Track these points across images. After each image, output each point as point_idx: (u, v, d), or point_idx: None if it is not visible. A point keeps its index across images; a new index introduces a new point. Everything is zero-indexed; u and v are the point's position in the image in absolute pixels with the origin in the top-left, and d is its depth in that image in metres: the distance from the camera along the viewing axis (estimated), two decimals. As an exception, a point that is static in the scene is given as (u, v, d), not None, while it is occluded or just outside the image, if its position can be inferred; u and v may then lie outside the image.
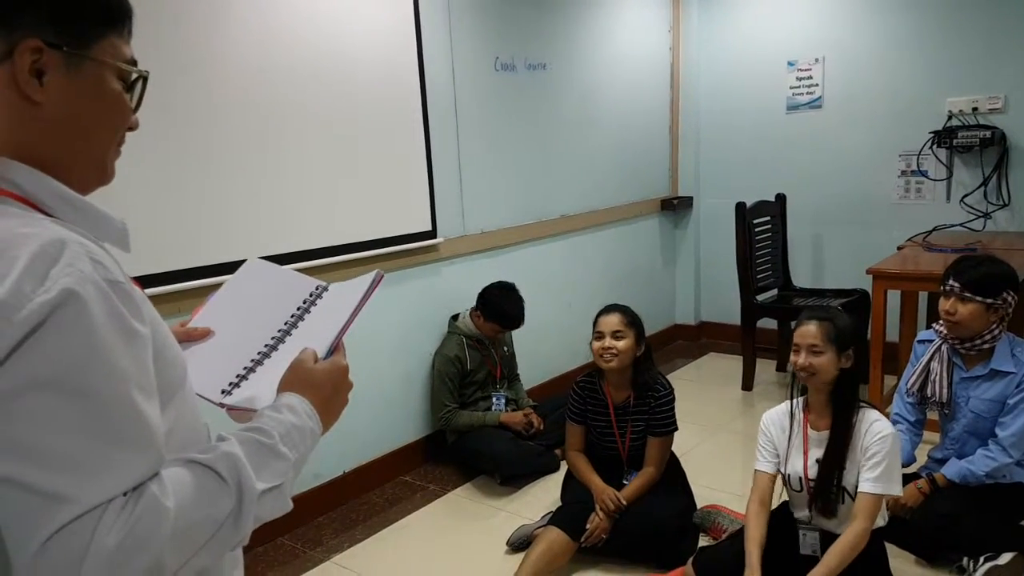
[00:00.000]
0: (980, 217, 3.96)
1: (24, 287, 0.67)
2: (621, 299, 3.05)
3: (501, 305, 3.29)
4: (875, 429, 2.10)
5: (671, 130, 4.90)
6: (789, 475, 2.23)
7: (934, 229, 3.93)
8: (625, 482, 2.65)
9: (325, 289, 1.13)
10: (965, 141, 3.87)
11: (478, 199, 3.56)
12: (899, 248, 3.80)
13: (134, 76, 0.85)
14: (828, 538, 2.13)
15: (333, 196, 2.90)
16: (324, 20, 2.80)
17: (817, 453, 2.17)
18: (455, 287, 3.48)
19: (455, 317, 3.41)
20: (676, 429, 2.69)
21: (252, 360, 1.04)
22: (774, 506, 2.36)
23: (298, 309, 1.10)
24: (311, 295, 1.12)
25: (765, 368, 4.33)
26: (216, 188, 2.53)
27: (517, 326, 3.37)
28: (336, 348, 1.00)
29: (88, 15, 0.80)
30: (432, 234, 3.31)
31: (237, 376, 1.02)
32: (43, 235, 0.71)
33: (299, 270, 1.22)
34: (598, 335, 2.65)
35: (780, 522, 2.28)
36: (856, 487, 2.11)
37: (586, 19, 4.10)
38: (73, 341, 0.68)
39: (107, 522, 0.67)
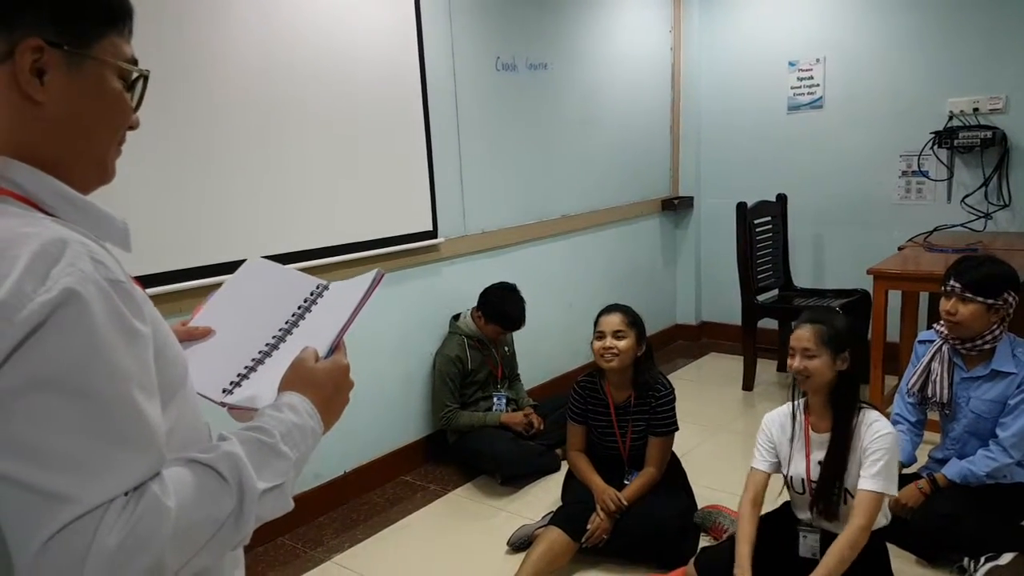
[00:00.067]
0: (981, 217, 3.96)
1: (25, 287, 0.67)
2: (622, 299, 3.05)
3: (502, 306, 3.29)
4: (875, 429, 2.10)
5: (672, 130, 4.90)
6: (791, 477, 2.23)
7: (935, 229, 3.93)
8: (626, 482, 2.65)
9: (326, 288, 1.12)
10: (966, 141, 3.87)
11: (479, 199, 3.56)
12: (900, 248, 3.80)
13: (135, 75, 0.85)
14: (829, 539, 2.12)
15: (334, 196, 2.90)
16: (325, 20, 2.80)
17: (819, 455, 2.17)
18: (456, 287, 3.48)
19: (456, 317, 3.41)
20: (677, 429, 2.69)
21: (253, 359, 1.04)
22: (775, 507, 2.37)
23: (299, 308, 1.10)
24: (312, 294, 1.11)
25: (766, 368, 4.33)
26: (217, 188, 2.53)
27: (518, 327, 3.37)
28: (337, 347, 1.00)
29: (89, 14, 0.80)
30: (433, 234, 3.31)
31: (238, 375, 1.02)
32: (44, 234, 0.71)
33: (300, 270, 1.22)
34: (599, 335, 2.65)
35: (781, 524, 2.29)
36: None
37: (587, 19, 4.10)
38: (74, 341, 0.68)
39: (108, 522, 0.67)
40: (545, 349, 3.97)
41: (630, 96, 4.49)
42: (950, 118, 3.96)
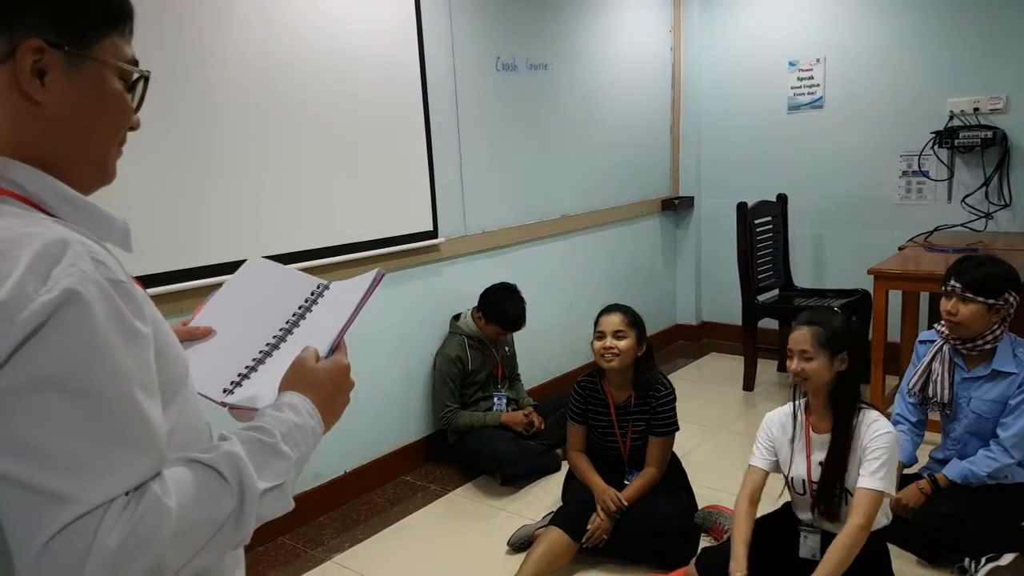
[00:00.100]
0: (981, 217, 3.96)
1: (26, 287, 0.67)
2: (622, 299, 3.05)
3: (502, 307, 3.29)
4: (875, 428, 2.10)
5: (672, 130, 4.90)
6: (792, 478, 2.23)
7: (935, 229, 3.93)
8: (626, 482, 2.65)
9: (326, 288, 1.13)
10: (966, 141, 3.87)
11: (479, 199, 3.56)
12: (900, 248, 3.80)
13: (135, 76, 0.85)
14: (830, 540, 2.12)
15: (334, 196, 2.90)
16: (325, 20, 2.80)
17: (820, 456, 2.17)
18: (456, 287, 3.48)
19: (456, 317, 3.41)
20: (677, 429, 2.69)
21: (254, 359, 1.04)
22: (776, 508, 2.37)
23: (299, 308, 1.10)
24: (312, 294, 1.11)
25: (766, 368, 4.33)
26: (217, 188, 2.53)
27: (518, 328, 3.37)
28: (337, 347, 1.00)
29: (89, 15, 0.80)
30: (433, 234, 3.31)
31: (239, 375, 1.02)
32: (45, 235, 0.71)
33: (301, 270, 1.22)
34: (599, 335, 2.65)
35: (782, 524, 2.28)
36: (858, 487, 2.11)
37: (587, 19, 4.10)
38: (75, 341, 0.68)
39: (109, 522, 0.67)
40: (545, 349, 3.97)
41: (630, 96, 4.49)
42: (950, 118, 3.96)
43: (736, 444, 3.43)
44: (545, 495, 3.05)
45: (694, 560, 2.33)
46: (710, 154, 4.89)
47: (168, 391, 0.80)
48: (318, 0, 2.76)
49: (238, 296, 1.15)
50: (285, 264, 1.23)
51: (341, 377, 0.97)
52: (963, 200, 4.00)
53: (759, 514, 2.41)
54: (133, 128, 0.87)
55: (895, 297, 3.53)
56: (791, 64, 4.46)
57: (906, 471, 2.64)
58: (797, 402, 2.26)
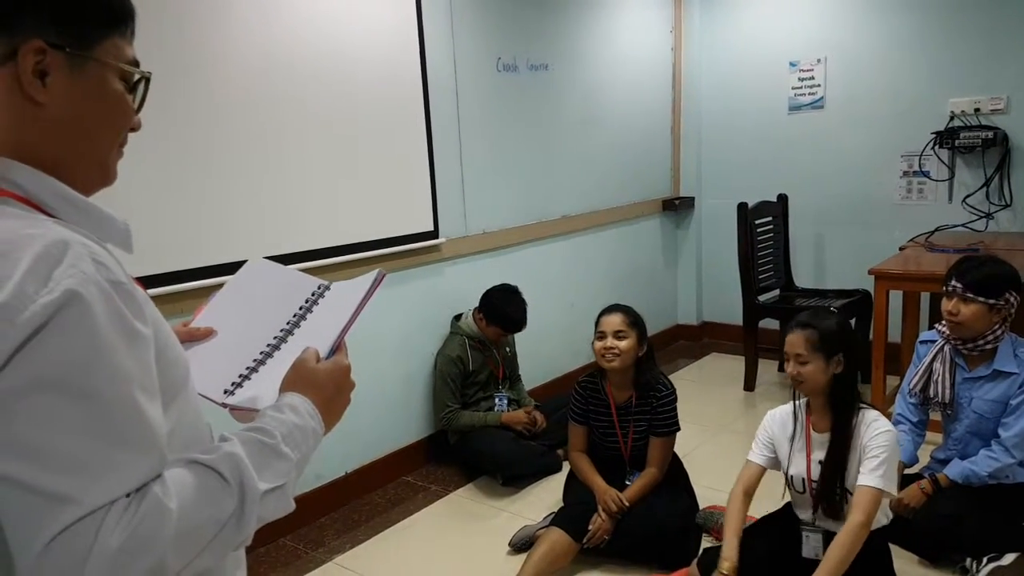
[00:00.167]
0: (982, 218, 3.96)
1: (27, 288, 0.67)
2: (623, 299, 3.05)
3: (503, 308, 3.28)
4: (874, 428, 2.10)
5: (673, 130, 4.90)
6: (792, 476, 2.23)
7: (936, 230, 3.93)
8: (627, 482, 2.65)
9: (327, 288, 1.13)
10: (967, 142, 3.87)
11: (480, 199, 3.56)
12: (901, 249, 3.80)
13: (136, 77, 0.85)
14: (832, 539, 2.12)
15: (335, 196, 2.90)
16: (326, 20, 2.80)
17: (819, 454, 2.17)
18: (457, 287, 3.48)
19: (457, 317, 3.41)
20: (678, 429, 2.69)
21: (255, 360, 1.04)
22: (777, 508, 2.37)
23: (300, 309, 1.10)
24: (313, 294, 1.12)
25: (767, 368, 4.33)
26: (218, 188, 2.53)
27: (519, 330, 3.37)
28: (338, 347, 1.00)
29: (90, 16, 0.80)
30: (434, 234, 3.31)
31: (240, 376, 1.02)
32: (46, 236, 0.71)
33: (301, 270, 1.22)
34: (600, 335, 2.65)
35: (784, 525, 2.28)
36: (858, 486, 2.11)
37: (588, 20, 4.10)
38: (76, 342, 0.68)
39: (110, 523, 0.67)
40: (546, 349, 3.96)
41: (631, 96, 4.49)
42: (951, 118, 3.96)
43: (737, 444, 3.42)
44: (546, 496, 3.05)
45: (695, 560, 2.33)
46: (711, 154, 4.89)
47: (169, 392, 0.80)
48: (319, 1, 2.77)
49: (239, 297, 1.15)
50: (286, 265, 1.23)
51: (342, 378, 0.97)
52: (964, 200, 4.00)
53: (760, 514, 2.42)
54: (134, 129, 0.87)
55: (896, 297, 3.53)
56: (792, 64, 4.46)
57: (907, 471, 2.64)
58: (798, 401, 2.26)
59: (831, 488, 2.13)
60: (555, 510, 2.70)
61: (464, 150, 3.46)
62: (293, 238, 2.76)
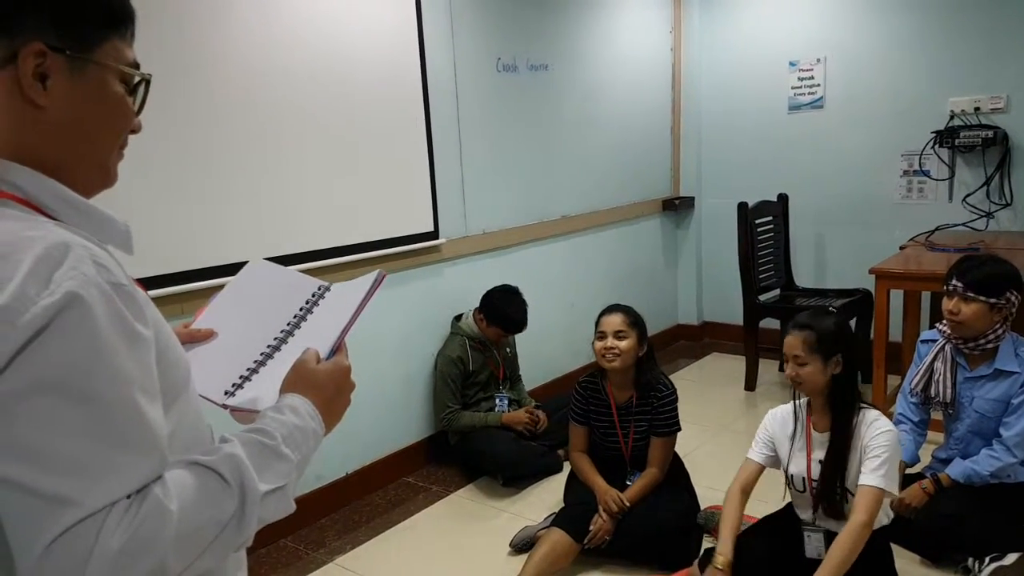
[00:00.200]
0: (983, 217, 3.95)
1: (28, 290, 0.67)
2: (623, 299, 3.05)
3: (504, 309, 3.28)
4: (875, 427, 2.10)
5: (673, 130, 4.90)
6: (792, 475, 2.23)
7: (936, 229, 3.93)
8: (628, 483, 2.64)
9: (327, 289, 1.13)
10: (967, 141, 3.87)
11: (480, 200, 3.56)
12: (901, 248, 3.80)
13: (137, 79, 0.85)
14: (834, 539, 2.12)
15: (335, 197, 2.90)
16: (326, 21, 2.80)
17: (820, 454, 2.17)
18: (457, 288, 3.48)
19: (458, 318, 3.41)
20: (679, 429, 2.69)
21: (255, 361, 1.04)
22: (778, 508, 2.37)
23: (300, 310, 1.10)
24: (313, 295, 1.12)
25: (768, 368, 4.33)
26: (218, 189, 2.53)
27: (520, 330, 3.37)
28: (338, 348, 1.00)
29: (91, 18, 0.80)
30: (434, 235, 3.31)
31: (240, 377, 1.02)
32: (47, 238, 0.71)
33: (301, 271, 1.22)
34: (600, 335, 2.65)
35: (785, 525, 2.28)
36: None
37: (588, 20, 4.10)
38: (77, 344, 0.68)
39: (111, 525, 0.67)
40: (547, 349, 3.96)
41: (631, 97, 4.49)
42: (951, 118, 3.96)
43: (738, 444, 3.42)
44: (547, 496, 3.05)
45: (696, 561, 2.33)
46: (711, 154, 4.89)
47: (169, 394, 0.80)
48: (318, 1, 2.77)
49: (239, 298, 1.15)
50: (286, 266, 1.23)
51: (342, 379, 0.97)
52: (964, 199, 4.00)
53: (761, 514, 2.42)
54: (134, 131, 0.87)
55: (896, 297, 3.53)
56: (791, 64, 4.46)
57: (909, 471, 2.64)
58: (798, 400, 2.26)
59: (831, 488, 2.13)
60: (556, 510, 2.70)
61: (464, 150, 3.46)
62: (293, 239, 2.76)
